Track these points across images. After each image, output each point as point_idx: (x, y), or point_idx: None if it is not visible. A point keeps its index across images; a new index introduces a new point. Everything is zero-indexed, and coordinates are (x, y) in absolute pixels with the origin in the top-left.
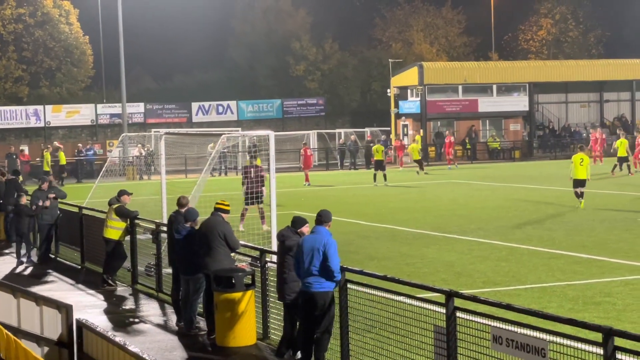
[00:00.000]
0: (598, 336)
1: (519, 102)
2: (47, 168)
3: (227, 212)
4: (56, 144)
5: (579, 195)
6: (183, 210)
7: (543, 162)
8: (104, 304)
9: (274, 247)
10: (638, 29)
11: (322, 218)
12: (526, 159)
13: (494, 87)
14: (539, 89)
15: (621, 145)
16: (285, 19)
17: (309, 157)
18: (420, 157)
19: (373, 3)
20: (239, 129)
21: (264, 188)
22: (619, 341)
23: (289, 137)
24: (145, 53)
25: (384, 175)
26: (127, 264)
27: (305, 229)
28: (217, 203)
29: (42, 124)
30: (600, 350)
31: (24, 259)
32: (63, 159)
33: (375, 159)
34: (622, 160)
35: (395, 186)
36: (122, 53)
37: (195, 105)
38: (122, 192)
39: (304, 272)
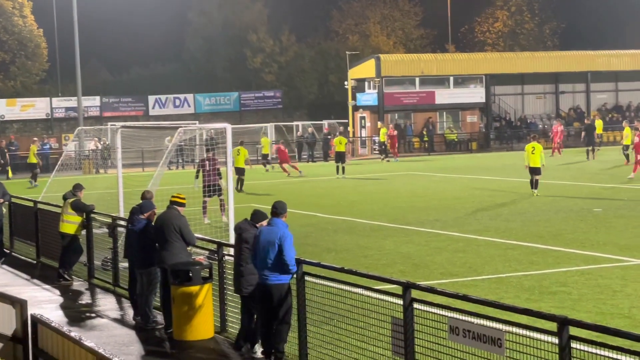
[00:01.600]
0: (553, 326)
1: (475, 94)
2: (34, 160)
3: (182, 205)
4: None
5: (534, 184)
6: None
7: (500, 153)
8: (60, 299)
9: (232, 240)
10: (593, 20)
11: (278, 210)
12: (483, 150)
13: (451, 79)
14: (495, 81)
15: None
16: (241, 11)
17: (284, 151)
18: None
19: None
20: (197, 122)
21: (221, 180)
22: (573, 330)
23: (247, 130)
24: (101, 45)
25: (343, 168)
26: (83, 258)
27: (264, 224)
28: (172, 196)
29: None
30: (556, 340)
31: None
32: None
33: (336, 150)
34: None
35: (353, 178)
36: (77, 46)
37: (152, 99)
38: (77, 186)
39: (260, 265)
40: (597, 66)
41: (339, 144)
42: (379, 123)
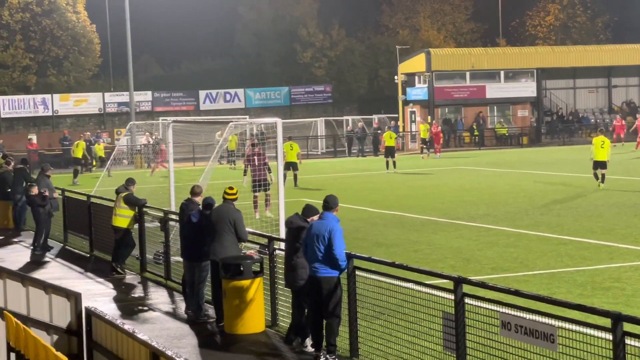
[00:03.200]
0: (607, 322)
1: (526, 88)
2: (78, 155)
3: (235, 200)
4: (88, 134)
5: (599, 177)
6: (196, 198)
7: (551, 148)
8: (113, 292)
9: (282, 235)
10: None
11: (329, 204)
12: (534, 145)
13: (502, 73)
14: (546, 75)
15: None
16: (292, 6)
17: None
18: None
19: None
20: (247, 116)
21: (270, 174)
22: (628, 326)
23: (297, 124)
24: (153, 41)
25: (394, 163)
26: (136, 252)
27: (315, 219)
28: (225, 193)
29: (50, 113)
30: (610, 336)
31: (38, 248)
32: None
33: (386, 145)
34: None
35: (403, 173)
36: (129, 41)
37: (202, 93)
38: (130, 180)
39: (311, 258)
40: None
41: (389, 138)
42: (419, 119)
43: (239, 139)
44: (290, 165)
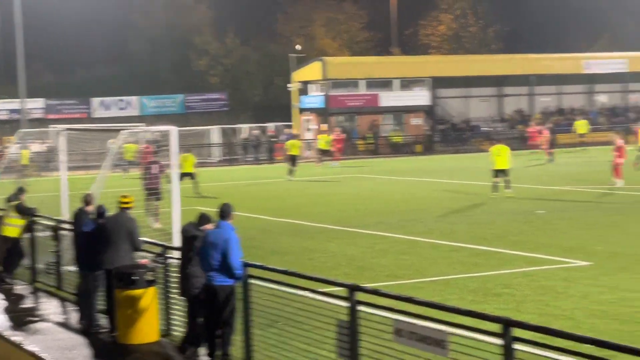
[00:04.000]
0: (497, 327)
1: (420, 97)
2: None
3: (130, 208)
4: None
5: (497, 186)
6: (89, 207)
7: (444, 156)
8: (3, 303)
9: (176, 243)
10: (536, 24)
11: (224, 213)
12: (428, 153)
13: (396, 81)
14: (440, 84)
15: None
16: (186, 13)
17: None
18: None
19: None
20: (143, 124)
21: (165, 184)
22: (517, 332)
23: (192, 132)
24: (45, 47)
25: (292, 171)
26: (27, 261)
27: (209, 227)
28: (120, 201)
29: None
30: (499, 341)
31: None
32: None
33: (289, 153)
34: None
35: (299, 181)
36: (20, 47)
37: (96, 101)
38: (20, 189)
39: (206, 267)
40: (540, 69)
41: (292, 147)
42: (322, 127)
43: (139, 148)
44: (185, 176)
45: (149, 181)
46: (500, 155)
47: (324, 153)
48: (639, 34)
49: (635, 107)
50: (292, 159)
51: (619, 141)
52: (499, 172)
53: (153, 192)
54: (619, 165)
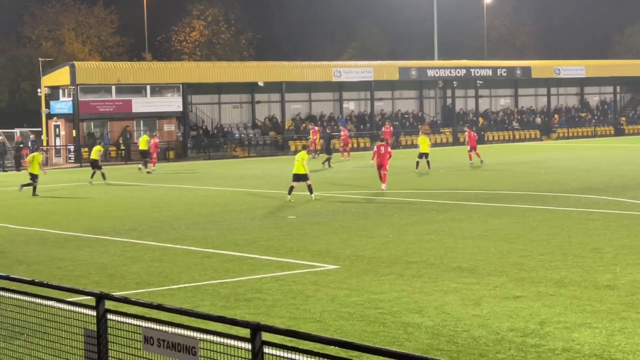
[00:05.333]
0: (247, 332)
1: (172, 103)
2: None
3: None
4: None
5: (308, 189)
6: None
7: (197, 162)
8: None
9: None
10: (286, 32)
11: None
12: (180, 159)
13: (148, 87)
14: (192, 90)
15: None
16: None
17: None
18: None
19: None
20: None
21: None
22: (266, 336)
23: None
24: None
25: (95, 174)
26: None
27: None
28: None
29: None
30: (249, 346)
31: None
32: None
33: (91, 157)
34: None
35: (47, 188)
36: None
37: None
38: None
39: None
40: (291, 77)
41: (95, 152)
42: (143, 131)
43: None
44: None
45: None
46: (299, 160)
47: (147, 155)
48: (383, 43)
49: (380, 115)
50: (95, 163)
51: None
52: (299, 177)
53: None
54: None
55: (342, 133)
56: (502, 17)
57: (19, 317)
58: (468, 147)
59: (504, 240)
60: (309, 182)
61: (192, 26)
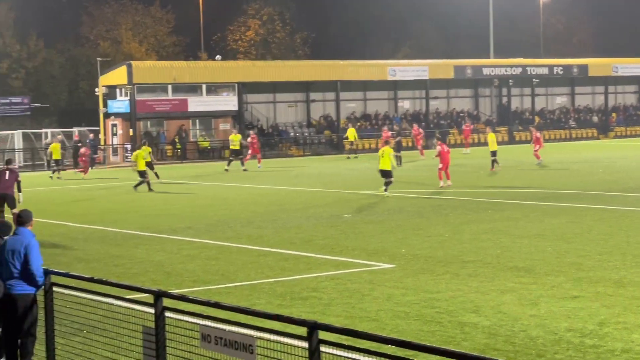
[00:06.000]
0: (304, 330)
1: (228, 102)
2: None
3: None
4: None
5: (386, 185)
6: None
7: (251, 161)
8: None
9: None
10: (341, 31)
11: (23, 219)
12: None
13: (204, 86)
14: (247, 89)
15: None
16: None
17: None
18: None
19: (80, 0)
20: None
21: (20, 193)
22: (323, 334)
23: None
24: None
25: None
26: None
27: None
28: None
29: None
30: (306, 344)
31: None
32: None
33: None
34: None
35: (106, 188)
36: None
37: None
38: None
39: (6, 275)
40: (346, 75)
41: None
42: (234, 130)
43: None
44: None
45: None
46: (384, 156)
47: (237, 153)
48: (438, 42)
49: (436, 113)
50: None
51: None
52: (384, 173)
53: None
54: (440, 170)
55: (413, 131)
56: (559, 14)
57: (79, 313)
58: (535, 147)
59: (561, 240)
60: (391, 178)
61: (248, 25)
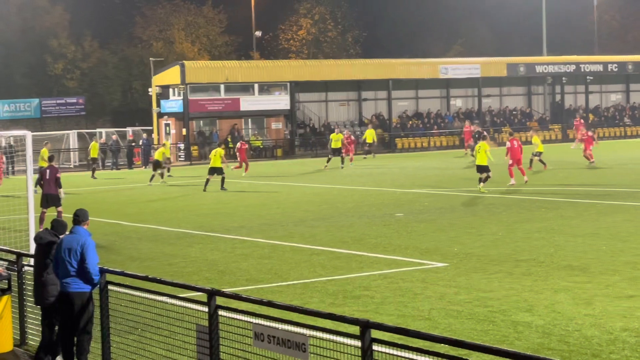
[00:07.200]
0: (356, 329)
1: (280, 101)
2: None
3: None
4: None
5: (481, 180)
6: None
7: (304, 159)
8: None
9: (32, 251)
10: (393, 30)
11: (80, 218)
12: (288, 157)
13: (256, 86)
14: (299, 88)
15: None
16: (42, 16)
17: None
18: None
19: (133, 1)
20: None
21: (61, 190)
22: (375, 333)
23: (48, 137)
24: None
25: (162, 174)
26: None
27: (66, 233)
28: None
29: None
30: (359, 343)
31: None
32: None
33: (155, 158)
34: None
35: (158, 186)
36: None
37: None
38: None
39: (62, 273)
40: (397, 74)
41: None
42: (337, 129)
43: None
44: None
45: (45, 187)
46: (480, 152)
47: (336, 153)
48: (490, 39)
49: (488, 111)
50: (157, 164)
51: (509, 142)
52: (480, 168)
53: (50, 197)
54: (511, 166)
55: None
56: (613, 11)
57: (133, 312)
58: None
59: (616, 239)
60: (489, 173)
61: (300, 24)
